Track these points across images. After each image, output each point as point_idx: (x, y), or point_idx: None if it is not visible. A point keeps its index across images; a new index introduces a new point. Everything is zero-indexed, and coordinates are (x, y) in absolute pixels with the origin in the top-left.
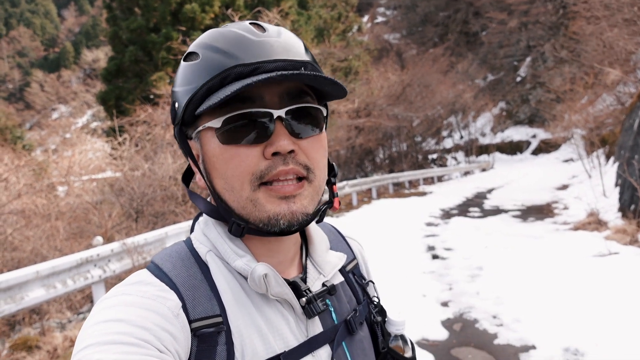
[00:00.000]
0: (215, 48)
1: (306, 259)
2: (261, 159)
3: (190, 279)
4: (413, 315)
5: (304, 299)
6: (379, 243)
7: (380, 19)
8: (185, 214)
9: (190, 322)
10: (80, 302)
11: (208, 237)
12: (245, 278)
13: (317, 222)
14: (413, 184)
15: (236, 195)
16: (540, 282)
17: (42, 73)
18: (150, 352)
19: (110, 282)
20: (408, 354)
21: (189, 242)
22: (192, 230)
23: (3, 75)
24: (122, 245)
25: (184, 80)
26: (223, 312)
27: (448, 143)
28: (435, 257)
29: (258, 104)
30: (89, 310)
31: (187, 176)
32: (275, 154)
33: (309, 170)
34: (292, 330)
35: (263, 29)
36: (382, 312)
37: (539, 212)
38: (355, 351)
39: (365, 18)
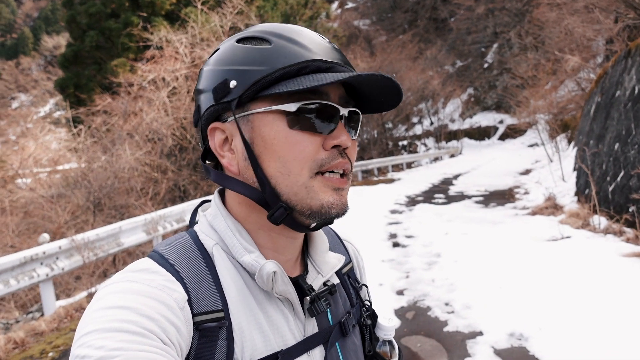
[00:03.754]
0: (292, 39)
1: (307, 258)
2: (321, 149)
3: (195, 271)
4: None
5: (308, 298)
6: (341, 231)
7: (350, 4)
8: (144, 207)
9: (193, 315)
10: (30, 301)
11: (216, 229)
12: (250, 274)
13: None
14: (382, 171)
15: (292, 180)
16: (493, 268)
17: None
18: (154, 343)
19: (58, 281)
20: (391, 357)
21: (193, 234)
22: (191, 221)
23: None
24: (71, 242)
25: (247, 61)
26: (225, 307)
27: (418, 129)
28: (395, 244)
29: (325, 98)
30: (38, 310)
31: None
32: (334, 147)
33: (351, 166)
34: (290, 328)
35: (323, 36)
36: (372, 316)
37: (501, 197)
38: (347, 353)
39: (335, 4)
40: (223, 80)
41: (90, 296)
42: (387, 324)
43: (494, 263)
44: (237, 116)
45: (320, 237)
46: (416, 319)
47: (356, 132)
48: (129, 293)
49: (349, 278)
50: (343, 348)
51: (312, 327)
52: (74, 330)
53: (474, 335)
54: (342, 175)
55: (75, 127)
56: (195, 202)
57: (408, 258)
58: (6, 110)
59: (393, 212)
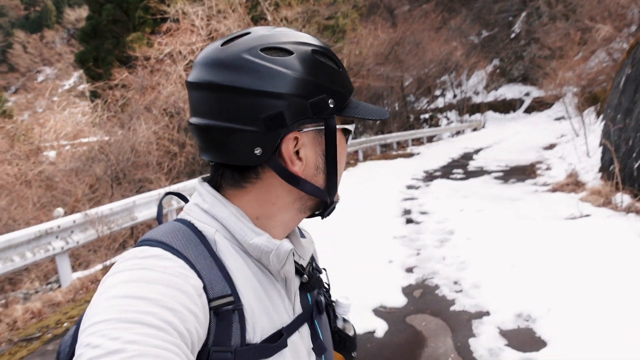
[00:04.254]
0: (343, 66)
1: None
2: None
3: (202, 257)
4: (375, 282)
5: (305, 276)
6: (355, 207)
7: None
8: (159, 181)
9: (209, 301)
10: (51, 272)
11: (216, 217)
12: (253, 257)
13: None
14: (401, 145)
15: (338, 181)
16: (506, 247)
17: (23, 34)
18: (170, 337)
19: (74, 254)
20: (351, 333)
21: (186, 222)
22: (159, 214)
23: None
24: (85, 216)
25: (336, 82)
26: (234, 291)
27: (440, 102)
28: (409, 221)
29: None
30: (57, 281)
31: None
32: None
33: None
34: (285, 308)
35: None
36: (330, 296)
37: (522, 173)
38: (323, 329)
39: None
40: (322, 96)
41: (105, 269)
42: (345, 302)
43: (507, 241)
44: (313, 128)
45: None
46: (423, 297)
47: None
48: (145, 282)
49: (313, 262)
50: (320, 324)
51: (298, 306)
52: (89, 301)
53: (481, 315)
54: None
55: (92, 101)
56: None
57: (420, 235)
58: (32, 84)
59: (409, 187)
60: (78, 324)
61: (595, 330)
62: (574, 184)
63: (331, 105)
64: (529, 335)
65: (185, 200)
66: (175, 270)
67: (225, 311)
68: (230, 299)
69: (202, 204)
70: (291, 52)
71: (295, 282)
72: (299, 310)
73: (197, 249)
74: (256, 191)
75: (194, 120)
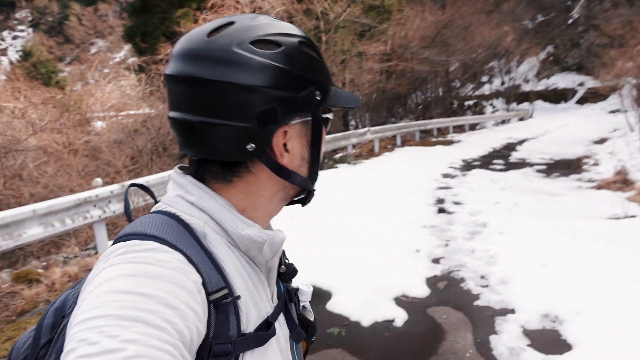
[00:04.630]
0: (320, 54)
1: None
2: None
3: (196, 251)
4: (399, 271)
5: (283, 267)
6: (387, 193)
7: None
8: None
9: (209, 294)
10: (90, 238)
11: (204, 209)
12: (239, 249)
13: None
14: (442, 131)
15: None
16: (540, 243)
17: (79, 6)
18: (170, 338)
19: (111, 222)
20: (312, 318)
21: (171, 215)
22: (127, 207)
23: (43, 7)
24: (122, 187)
25: (316, 72)
26: (227, 283)
27: (487, 89)
28: (441, 210)
29: None
30: (94, 248)
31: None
32: None
33: None
34: (267, 297)
35: None
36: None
37: (567, 167)
38: (293, 316)
39: None
40: (310, 89)
41: None
42: (307, 289)
43: (542, 238)
44: (300, 120)
45: None
46: (447, 289)
47: None
48: (146, 277)
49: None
50: (291, 312)
51: (275, 296)
52: None
53: (505, 312)
54: None
55: (138, 74)
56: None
57: (451, 226)
58: (85, 55)
59: (445, 176)
60: (38, 327)
61: (625, 338)
62: (621, 182)
63: (318, 97)
64: (554, 338)
65: (152, 195)
66: (175, 264)
67: (224, 304)
68: (226, 291)
69: (188, 196)
70: (280, 45)
71: (276, 272)
72: (276, 300)
73: (189, 243)
74: (244, 184)
75: (175, 114)
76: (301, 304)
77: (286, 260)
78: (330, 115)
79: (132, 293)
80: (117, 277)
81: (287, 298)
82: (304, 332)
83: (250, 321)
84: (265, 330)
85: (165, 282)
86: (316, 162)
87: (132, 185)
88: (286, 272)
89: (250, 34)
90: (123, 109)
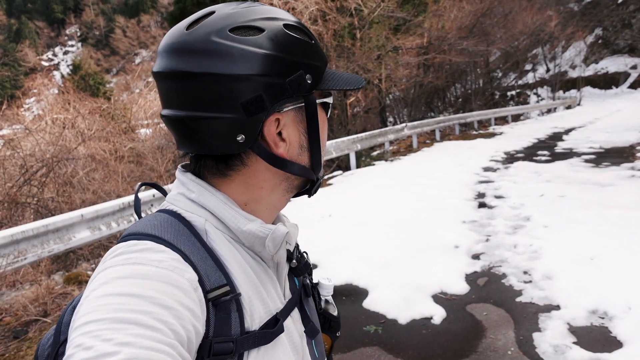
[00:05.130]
0: (314, 38)
1: None
2: None
3: (195, 248)
4: (438, 267)
5: (294, 261)
6: (425, 189)
7: None
8: None
9: (207, 292)
10: None
11: (204, 206)
12: (243, 245)
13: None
14: (483, 124)
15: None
16: (586, 237)
17: (123, 19)
18: (165, 338)
19: None
20: (335, 313)
21: (172, 213)
22: (137, 206)
23: (90, 22)
24: None
25: (307, 55)
26: (229, 281)
27: (531, 78)
28: (482, 205)
29: None
30: None
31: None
32: None
33: None
34: (277, 293)
35: None
36: (312, 279)
37: (618, 155)
38: (311, 311)
39: None
40: (299, 73)
41: None
42: (328, 283)
43: (589, 231)
44: (293, 106)
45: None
46: (487, 286)
47: None
48: (139, 277)
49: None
50: (308, 307)
51: (288, 291)
52: None
53: (549, 308)
54: None
55: None
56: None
57: (492, 220)
58: (130, 66)
59: (486, 169)
60: (58, 324)
61: None
62: None
63: (309, 81)
64: (603, 334)
65: (162, 191)
66: (169, 264)
67: (224, 302)
68: (227, 288)
69: (188, 193)
70: (262, 30)
71: (285, 267)
72: (289, 295)
73: (188, 240)
74: (242, 177)
75: (166, 112)
76: (323, 299)
77: (298, 255)
78: (329, 99)
79: (125, 295)
80: (111, 281)
81: (302, 293)
82: (327, 327)
83: (255, 318)
84: (273, 327)
85: (158, 282)
86: (316, 149)
87: (142, 184)
88: (298, 267)
89: (229, 21)
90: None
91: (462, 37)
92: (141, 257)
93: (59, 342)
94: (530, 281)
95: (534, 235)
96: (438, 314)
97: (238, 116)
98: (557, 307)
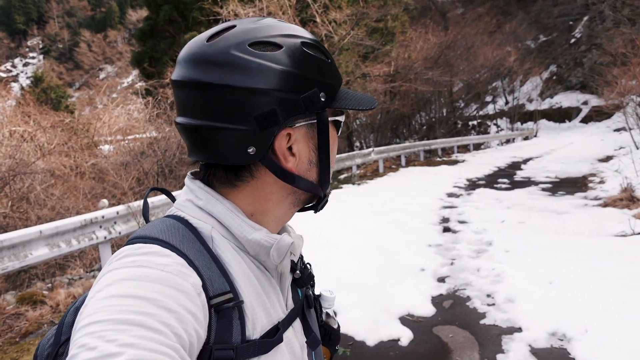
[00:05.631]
0: (331, 58)
1: None
2: None
3: (200, 254)
4: (405, 290)
5: (297, 272)
6: (392, 212)
7: None
8: None
9: (210, 298)
10: (95, 260)
11: (212, 213)
12: (248, 254)
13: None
14: (447, 151)
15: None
16: (546, 261)
17: (89, 33)
18: (168, 340)
19: (116, 243)
20: (335, 326)
21: (179, 219)
22: (145, 211)
23: (54, 35)
24: (127, 208)
25: (326, 74)
26: (233, 288)
27: (491, 109)
28: (446, 229)
29: None
30: (99, 269)
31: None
32: None
33: None
34: (280, 303)
35: None
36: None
37: (573, 185)
38: (312, 322)
39: None
40: (314, 90)
41: None
42: (330, 295)
43: (548, 256)
44: (305, 122)
45: None
46: (453, 308)
47: None
48: (143, 280)
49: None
50: (310, 318)
51: (290, 301)
52: None
53: (512, 331)
54: None
55: (145, 98)
56: None
57: (456, 244)
58: (94, 80)
59: (450, 195)
60: (60, 325)
61: (635, 356)
62: (628, 199)
63: (322, 99)
64: (563, 356)
65: (171, 197)
66: (174, 268)
67: (226, 309)
68: (230, 295)
69: (196, 200)
70: (280, 46)
71: (289, 277)
72: (291, 305)
73: (194, 246)
74: (250, 189)
75: (181, 120)
76: (324, 311)
77: (302, 266)
78: (340, 118)
79: (130, 297)
80: (116, 282)
81: (304, 304)
82: (328, 339)
83: (256, 327)
84: (273, 336)
85: (163, 285)
86: (325, 166)
87: (153, 189)
88: (301, 278)
89: (249, 36)
90: (130, 132)
91: (428, 67)
92: (146, 260)
93: (60, 342)
94: (494, 304)
95: (497, 259)
96: (405, 335)
97: (251, 128)
98: (519, 330)
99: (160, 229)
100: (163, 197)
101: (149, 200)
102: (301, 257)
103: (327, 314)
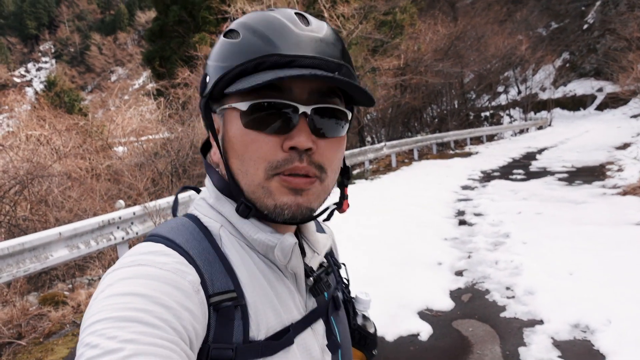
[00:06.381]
0: (257, 32)
1: (301, 240)
2: (279, 150)
3: (205, 253)
4: (422, 284)
5: (311, 279)
6: (406, 207)
7: None
8: None
9: (209, 296)
10: (114, 261)
11: (221, 212)
12: (260, 253)
13: (324, 221)
14: (459, 144)
15: (249, 179)
16: (565, 252)
17: (99, 36)
18: (167, 335)
19: (134, 243)
20: (371, 330)
21: (193, 218)
22: (175, 208)
23: (65, 39)
24: (144, 209)
25: (219, 56)
26: (237, 287)
27: (503, 99)
28: (462, 222)
29: (286, 95)
30: None
31: (206, 147)
32: (292, 148)
33: (322, 170)
34: (295, 304)
35: (307, 22)
36: (350, 292)
37: (590, 174)
38: (340, 326)
39: None
40: (204, 74)
41: None
42: (365, 297)
43: (567, 247)
44: (215, 109)
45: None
46: (472, 302)
47: (339, 128)
48: (142, 278)
49: (331, 257)
50: (337, 321)
51: (312, 302)
52: None
53: (533, 323)
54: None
55: (156, 99)
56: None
57: (473, 237)
58: (106, 83)
59: (464, 187)
60: None
61: None
62: None
63: (207, 82)
64: (586, 348)
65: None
66: (172, 266)
67: (226, 307)
68: (232, 295)
69: (208, 198)
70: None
71: (309, 281)
72: (313, 306)
73: (200, 245)
74: None
75: None
76: (359, 314)
77: (324, 269)
78: (239, 105)
79: (128, 294)
80: (116, 282)
81: (331, 305)
82: (363, 344)
83: (261, 328)
84: (280, 339)
85: (159, 282)
86: (224, 155)
87: (184, 187)
88: (317, 285)
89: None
90: (143, 133)
91: (438, 59)
92: (146, 259)
93: None
94: (513, 297)
95: (514, 251)
96: (425, 330)
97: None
98: (541, 322)
99: (170, 227)
100: (180, 196)
101: (162, 201)
102: (330, 257)
103: (364, 317)
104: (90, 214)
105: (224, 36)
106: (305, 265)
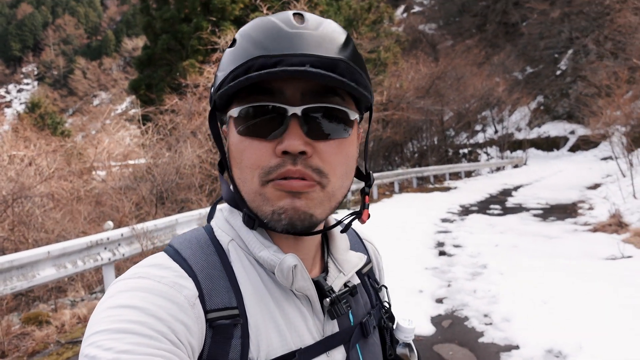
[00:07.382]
0: (250, 37)
1: (327, 257)
2: (272, 156)
3: (209, 267)
4: (404, 310)
5: (327, 300)
6: (389, 237)
7: (416, 8)
8: (200, 202)
9: (206, 312)
10: (95, 283)
11: (232, 225)
12: (267, 270)
13: (342, 232)
14: (439, 178)
15: (247, 187)
16: (540, 283)
17: (84, 60)
18: (163, 345)
19: (120, 265)
20: None
21: (209, 229)
22: (210, 216)
23: (49, 62)
24: (132, 230)
25: (221, 66)
26: (240, 305)
27: (481, 138)
28: (442, 253)
29: (277, 98)
30: (102, 291)
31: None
32: (285, 152)
33: (322, 174)
34: (308, 327)
35: (302, 20)
36: (391, 318)
37: (563, 211)
38: (367, 355)
39: (401, 9)
40: (212, 85)
41: None
42: (408, 325)
43: (541, 278)
44: (225, 120)
45: (339, 235)
46: (452, 327)
47: (339, 130)
48: (139, 291)
49: (368, 278)
50: (363, 349)
51: (332, 326)
52: None
53: (510, 348)
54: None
55: (143, 124)
56: None
57: (452, 267)
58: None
59: (444, 220)
60: None
61: None
62: (617, 224)
63: (212, 93)
64: None
65: None
66: (170, 280)
67: (223, 325)
68: (234, 312)
69: (224, 210)
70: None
71: (325, 302)
72: (333, 330)
73: (207, 258)
74: None
75: None
76: (401, 342)
77: (341, 294)
78: (232, 112)
79: (125, 307)
80: (115, 294)
81: (359, 331)
82: None
83: (261, 349)
84: None
85: (156, 295)
86: (231, 172)
87: (221, 198)
88: (333, 309)
89: None
90: (129, 157)
91: (419, 97)
92: (146, 272)
93: None
94: (491, 323)
95: (492, 281)
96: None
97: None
98: (517, 347)
99: (184, 238)
100: (166, 219)
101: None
102: (368, 278)
103: (405, 345)
104: (73, 236)
105: (232, 44)
106: (324, 285)
